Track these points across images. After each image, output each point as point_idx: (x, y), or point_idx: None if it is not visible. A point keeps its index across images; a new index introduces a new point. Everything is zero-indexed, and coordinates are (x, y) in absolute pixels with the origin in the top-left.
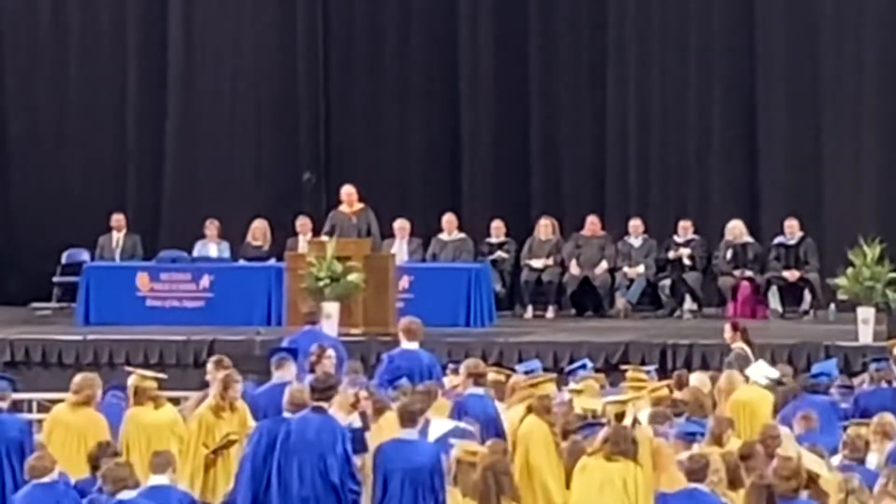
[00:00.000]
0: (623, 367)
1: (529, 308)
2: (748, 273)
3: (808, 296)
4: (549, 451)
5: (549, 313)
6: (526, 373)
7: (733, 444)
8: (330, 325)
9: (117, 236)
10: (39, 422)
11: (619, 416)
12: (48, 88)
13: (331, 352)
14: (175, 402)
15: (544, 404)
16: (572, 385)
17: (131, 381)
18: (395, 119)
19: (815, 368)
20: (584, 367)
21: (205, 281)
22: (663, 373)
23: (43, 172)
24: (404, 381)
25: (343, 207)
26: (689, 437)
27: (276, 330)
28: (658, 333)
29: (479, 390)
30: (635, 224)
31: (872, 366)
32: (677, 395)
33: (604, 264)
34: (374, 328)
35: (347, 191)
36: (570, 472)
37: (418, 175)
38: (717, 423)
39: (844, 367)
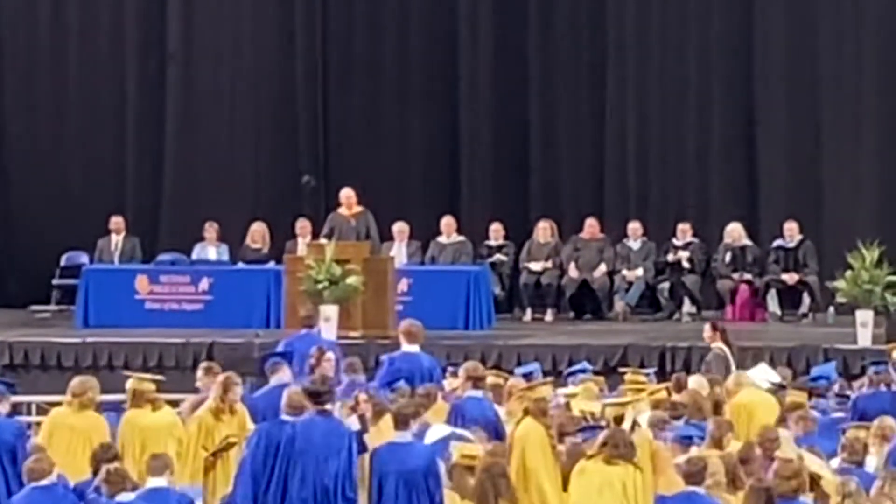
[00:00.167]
0: (622, 369)
1: (528, 311)
2: (747, 276)
3: (806, 299)
4: (546, 453)
5: (548, 316)
6: (524, 376)
7: (733, 447)
8: (329, 327)
9: (116, 239)
10: (38, 424)
11: (618, 419)
12: (47, 90)
13: (330, 354)
14: (174, 404)
15: (540, 407)
16: (567, 388)
17: (129, 384)
18: (394, 122)
19: (814, 371)
20: (583, 371)
21: (204, 284)
22: (662, 376)
23: (42, 175)
24: (402, 383)
25: (342, 210)
26: (686, 441)
27: (275, 332)
28: (657, 336)
29: (479, 393)
30: (634, 227)
31: (871, 369)
32: (676, 397)
33: (602, 267)
34: (373, 331)
35: (346, 194)
36: (569, 475)
37: (417, 178)
38: (718, 427)
39: (843, 370)
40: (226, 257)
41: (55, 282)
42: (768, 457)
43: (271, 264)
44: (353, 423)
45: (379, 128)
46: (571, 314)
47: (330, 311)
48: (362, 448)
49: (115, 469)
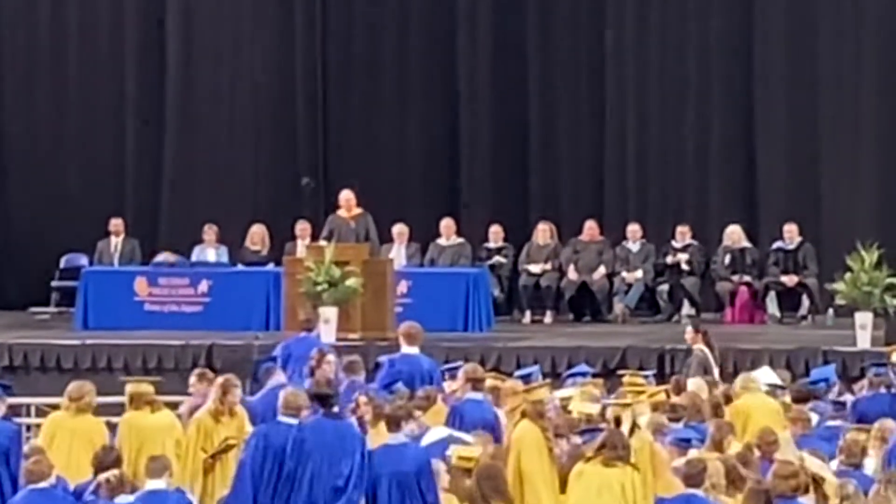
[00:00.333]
0: (621, 371)
1: (527, 313)
2: (746, 278)
3: (806, 301)
4: (542, 455)
5: (548, 318)
6: (521, 378)
7: (734, 448)
8: (328, 330)
9: (116, 241)
10: (38, 426)
11: (619, 421)
12: (47, 90)
13: (331, 357)
14: (173, 406)
15: (537, 409)
16: (562, 391)
17: (128, 388)
18: (394, 124)
19: (813, 374)
20: (583, 373)
21: (203, 286)
22: (661, 378)
23: (41, 176)
24: (400, 385)
25: (341, 212)
26: (684, 443)
27: (275, 335)
28: (656, 338)
29: (479, 395)
30: (633, 229)
31: (872, 371)
32: (675, 399)
33: (602, 269)
34: (372, 333)
35: (346, 196)
36: (567, 477)
37: (417, 180)
38: (718, 429)
39: (842, 373)
40: (225, 259)
41: (54, 284)
42: (768, 458)
43: (270, 266)
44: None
45: (378, 130)
46: (570, 316)
47: (329, 313)
48: None
49: (113, 476)
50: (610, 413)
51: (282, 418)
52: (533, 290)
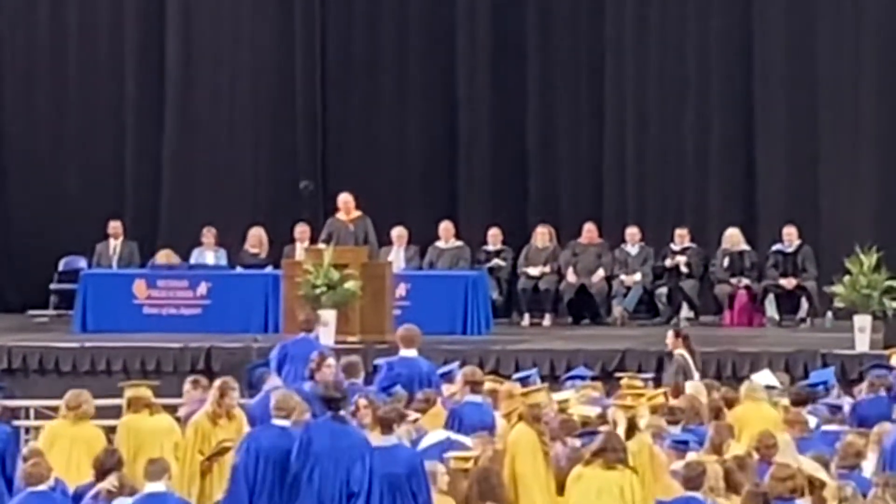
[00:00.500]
0: (619, 374)
1: (526, 316)
2: (745, 281)
3: (804, 304)
4: (536, 458)
5: (546, 321)
6: (519, 380)
7: (734, 449)
8: (327, 332)
9: (114, 243)
10: (37, 429)
11: (615, 423)
12: (47, 91)
13: (331, 360)
14: (172, 409)
15: (533, 413)
16: (561, 394)
17: (127, 393)
18: (393, 126)
19: (812, 377)
20: (581, 376)
21: (202, 288)
22: (659, 381)
23: (41, 177)
24: (399, 388)
25: (340, 215)
26: (682, 446)
27: (273, 337)
28: (655, 341)
29: (478, 398)
30: (632, 232)
31: (873, 372)
32: (674, 402)
33: (600, 272)
34: (371, 336)
35: (345, 199)
36: (566, 479)
37: (416, 182)
38: (717, 432)
39: (841, 376)
40: (224, 262)
41: (53, 286)
42: (766, 461)
43: (269, 269)
44: None
45: (378, 130)
46: (569, 319)
47: (328, 315)
48: None
49: (113, 486)
50: (611, 415)
51: (274, 421)
52: (532, 293)
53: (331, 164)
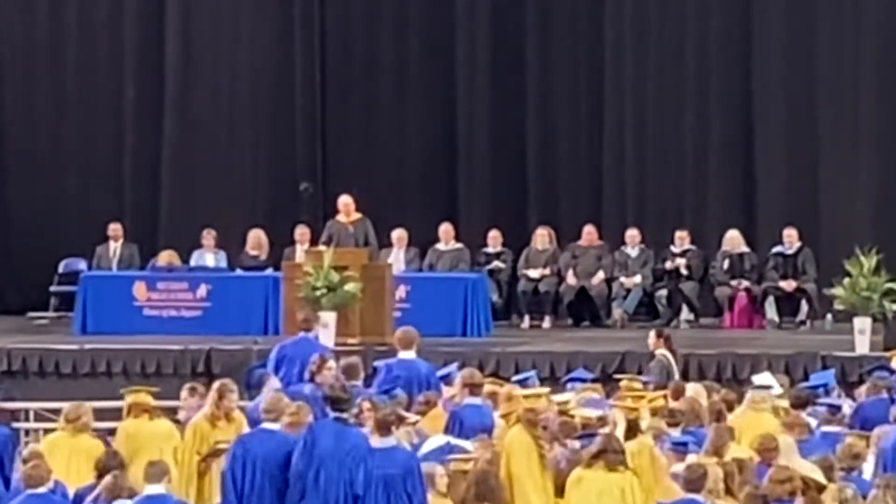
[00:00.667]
0: (619, 376)
1: (526, 318)
2: (745, 283)
3: (804, 306)
4: (531, 461)
5: (546, 323)
6: (518, 382)
7: (733, 452)
8: (327, 334)
9: (114, 246)
10: (36, 431)
11: (634, 423)
12: (46, 91)
13: (332, 363)
14: (172, 411)
15: (529, 416)
16: (561, 396)
17: (127, 399)
18: (393, 127)
19: (812, 379)
20: (582, 379)
21: (202, 290)
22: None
23: (41, 178)
24: (399, 391)
25: (340, 217)
26: (681, 448)
27: (274, 339)
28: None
29: (477, 400)
30: (632, 234)
31: (875, 374)
32: (674, 405)
33: (600, 274)
34: (371, 338)
35: (345, 201)
36: (565, 482)
37: (415, 184)
38: (718, 434)
39: (841, 378)
40: (224, 264)
41: (53, 288)
42: (767, 464)
43: (269, 271)
44: None
45: (377, 131)
46: (569, 321)
47: (328, 317)
48: None
49: (114, 480)
50: (611, 417)
51: (263, 424)
52: (532, 295)
53: (331, 165)
